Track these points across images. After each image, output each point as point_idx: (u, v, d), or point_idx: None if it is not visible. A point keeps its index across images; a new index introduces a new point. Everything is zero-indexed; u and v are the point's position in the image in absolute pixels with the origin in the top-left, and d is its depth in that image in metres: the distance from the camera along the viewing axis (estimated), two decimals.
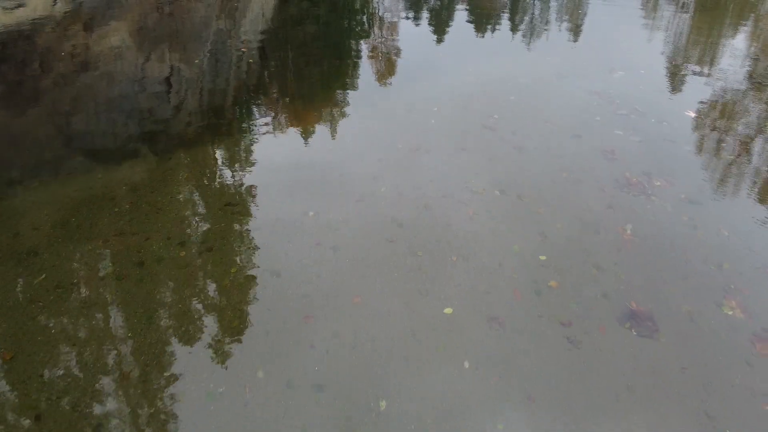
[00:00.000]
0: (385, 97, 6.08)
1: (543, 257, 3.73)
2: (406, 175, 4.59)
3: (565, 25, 9.14)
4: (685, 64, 7.13)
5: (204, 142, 5.17)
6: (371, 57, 7.43)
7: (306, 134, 5.27)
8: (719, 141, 5.23)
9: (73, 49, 7.30)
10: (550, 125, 5.43)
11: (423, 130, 5.31)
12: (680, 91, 6.34)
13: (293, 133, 5.31)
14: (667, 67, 7.02)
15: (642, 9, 10.14)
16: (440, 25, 9.06)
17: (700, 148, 5.11)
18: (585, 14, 9.83)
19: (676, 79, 6.69)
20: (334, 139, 5.19)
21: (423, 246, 3.82)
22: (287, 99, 6.16)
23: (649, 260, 3.70)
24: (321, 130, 5.37)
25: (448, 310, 3.29)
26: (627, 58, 7.37)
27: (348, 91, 6.28)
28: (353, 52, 7.65)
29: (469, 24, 9.00)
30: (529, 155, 4.91)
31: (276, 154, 4.91)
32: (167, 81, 6.58)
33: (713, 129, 5.44)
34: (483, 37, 8.39)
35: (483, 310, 3.30)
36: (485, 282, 3.51)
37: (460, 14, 9.53)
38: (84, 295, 3.42)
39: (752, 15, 9.77)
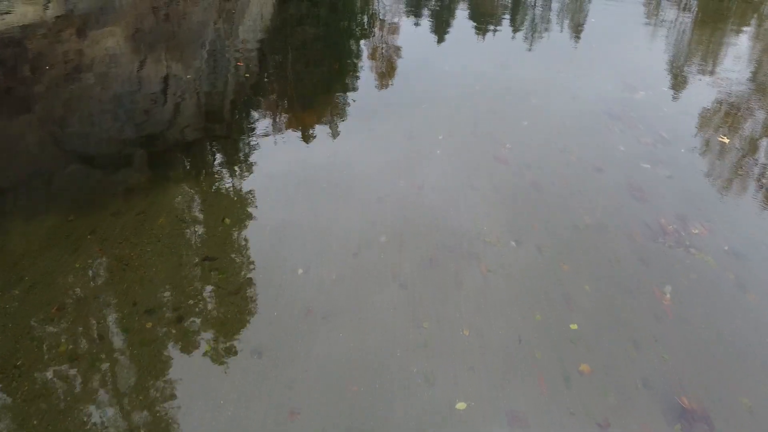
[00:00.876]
0: (386, 120, 5.53)
1: (572, 327, 3.19)
2: (409, 220, 4.05)
3: (574, 33, 8.58)
4: (711, 80, 6.57)
5: (187, 175, 4.62)
6: (371, 69, 6.88)
7: (298, 170, 4.71)
8: (760, 173, 4.68)
9: (65, 54, 6.89)
10: (569, 156, 4.88)
11: (427, 163, 4.77)
12: (709, 112, 5.79)
13: (283, 169, 4.76)
14: (691, 84, 6.47)
15: (651, 16, 9.58)
16: (442, 35, 8.49)
17: (738, 184, 4.56)
18: (594, 22, 9.27)
19: (702, 97, 6.13)
20: (328, 174, 4.64)
21: (429, 314, 3.29)
22: (281, 122, 5.60)
23: (695, 334, 3.16)
24: (314, 163, 4.81)
25: (460, 405, 2.76)
26: (646, 73, 6.82)
27: (345, 114, 5.72)
28: (350, 67, 7.09)
29: (472, 32, 8.43)
30: (546, 194, 4.37)
31: (262, 195, 4.36)
32: (163, 88, 6.11)
33: (751, 158, 4.90)
34: (487, 46, 7.81)
35: (503, 405, 2.76)
36: (504, 365, 2.97)
37: (462, 20, 8.97)
38: (27, 384, 2.88)
39: (755, 15, 9.22)
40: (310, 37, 8.16)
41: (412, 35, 8.34)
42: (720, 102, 6.01)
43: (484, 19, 9.27)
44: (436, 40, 8.22)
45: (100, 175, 4.66)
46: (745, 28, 8.88)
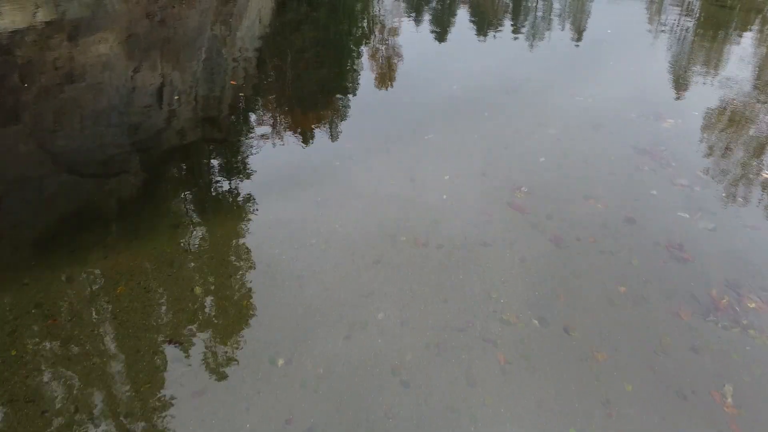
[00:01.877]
0: (385, 156, 4.90)
1: None
2: (411, 291, 3.43)
3: (589, 48, 7.93)
4: (747, 103, 5.93)
5: (152, 231, 4.01)
6: (369, 87, 6.25)
7: (280, 224, 4.07)
8: None
9: (55, 60, 6.47)
10: (594, 203, 4.26)
11: (433, 212, 4.15)
12: (749, 142, 5.16)
13: (263, 223, 4.13)
14: (723, 108, 5.83)
15: (668, 26, 8.93)
16: (446, 48, 7.86)
17: None
18: (611, 33, 8.64)
19: (738, 124, 5.50)
20: (316, 228, 4.01)
21: (437, 426, 2.67)
22: (272, 149, 4.97)
23: None
24: (301, 213, 4.17)
25: None
26: (672, 95, 6.20)
27: (339, 148, 5.09)
28: (348, 79, 6.47)
29: (479, 44, 7.79)
30: (571, 254, 3.75)
31: (238, 259, 3.74)
32: (157, 97, 5.59)
33: None
34: (496, 63, 7.17)
35: None
36: None
37: (466, 30, 8.34)
38: None
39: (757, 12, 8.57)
40: (309, 41, 7.58)
41: (415, 45, 7.71)
42: (759, 130, 5.37)
43: (490, 30, 8.63)
44: (439, 53, 7.60)
45: (58, 223, 4.05)
46: (747, 36, 8.24)
